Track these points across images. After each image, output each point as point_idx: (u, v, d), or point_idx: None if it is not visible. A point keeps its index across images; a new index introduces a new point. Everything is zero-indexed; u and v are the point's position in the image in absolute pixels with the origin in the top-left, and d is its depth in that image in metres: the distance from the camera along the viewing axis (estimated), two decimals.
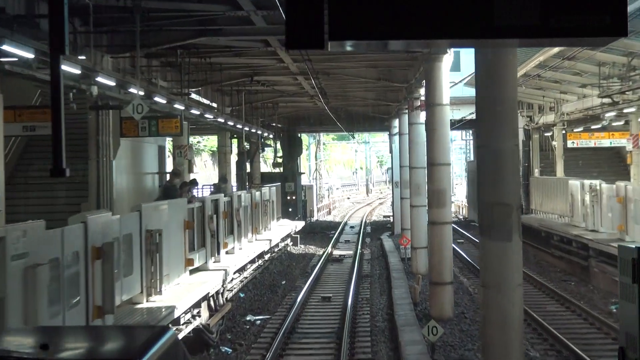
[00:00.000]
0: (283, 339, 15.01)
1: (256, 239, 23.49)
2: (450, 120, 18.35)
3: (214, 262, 16.86)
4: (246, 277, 21.02)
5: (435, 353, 13.11)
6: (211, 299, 15.19)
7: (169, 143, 27.72)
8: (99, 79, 13.06)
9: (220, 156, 33.15)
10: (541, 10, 3.28)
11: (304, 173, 50.65)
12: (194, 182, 20.20)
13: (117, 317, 9.95)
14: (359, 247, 31.03)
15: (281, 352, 14.27)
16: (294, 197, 40.25)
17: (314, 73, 22.31)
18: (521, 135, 31.77)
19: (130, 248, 11.20)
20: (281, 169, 40.98)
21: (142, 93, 14.63)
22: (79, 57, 12.56)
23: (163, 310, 11.34)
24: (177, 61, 18.96)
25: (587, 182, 23.15)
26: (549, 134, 32.89)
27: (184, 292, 12.99)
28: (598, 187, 22.05)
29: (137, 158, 21.53)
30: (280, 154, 41.26)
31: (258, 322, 16.98)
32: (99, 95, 15.29)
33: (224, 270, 16.41)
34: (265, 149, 39.76)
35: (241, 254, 20.05)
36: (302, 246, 31.95)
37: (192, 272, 15.08)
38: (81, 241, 8.85)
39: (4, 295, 7.14)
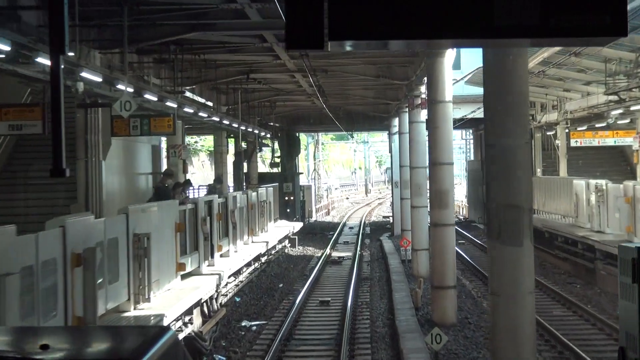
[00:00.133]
0: (280, 346, 14.41)
1: (252, 241, 22.92)
2: None
3: (207, 265, 16.25)
4: (242, 281, 20.43)
5: None
6: (204, 304, 14.58)
7: (165, 143, 27.09)
8: (84, 75, 12.39)
9: (217, 156, 32.57)
10: (541, 10, 3.26)
11: (302, 173, 50.11)
12: (187, 183, 19.59)
13: None
14: (358, 248, 30.54)
15: None
16: (292, 198, 39.78)
17: (311, 70, 21.70)
18: None
19: (116, 253, 10.57)
20: (279, 169, 40.46)
21: (130, 90, 13.97)
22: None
23: (151, 318, 10.75)
24: (170, 57, 18.30)
25: (592, 181, 22.54)
26: (551, 133, 32.29)
27: (175, 299, 12.38)
28: (604, 187, 21.47)
29: (130, 158, 20.88)
30: (278, 153, 40.74)
31: (254, 327, 16.37)
32: (88, 93, 14.67)
33: (218, 274, 15.81)
34: (263, 148, 39.24)
35: (237, 257, 19.44)
36: (300, 248, 31.43)
37: (184, 277, 14.47)
38: (59, 247, 8.20)
39: None
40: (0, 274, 6.80)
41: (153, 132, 17.37)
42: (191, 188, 27.94)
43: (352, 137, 68.70)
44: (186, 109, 19.37)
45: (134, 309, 11.25)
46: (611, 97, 22.74)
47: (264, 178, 37.28)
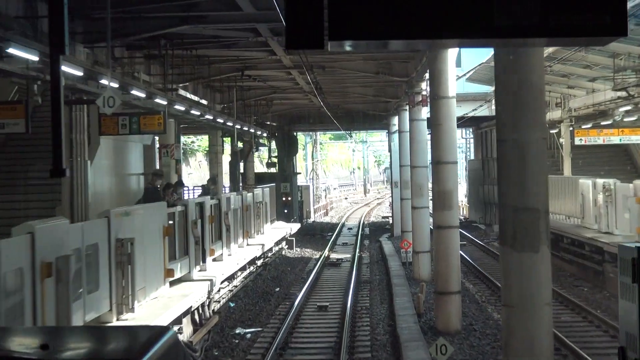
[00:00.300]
0: (275, 355, 13.62)
1: (248, 244, 22.12)
2: None
3: (198, 271, 15.44)
4: (236, 286, 19.62)
5: None
6: (195, 312, 13.78)
7: (158, 142, 26.28)
8: (64, 68, 11.57)
9: (212, 156, 31.75)
10: (541, 10, 3.23)
11: (300, 173, 49.34)
12: (179, 184, 18.74)
13: None
14: (357, 250, 29.82)
15: None
16: (289, 198, 39.04)
17: (308, 67, 20.90)
18: None
19: (96, 260, 9.75)
20: (276, 169, 39.71)
21: (115, 85, 13.15)
22: (39, 44, 11.08)
23: None
24: (160, 53, 17.49)
25: (599, 181, 21.77)
26: (554, 131, 31.50)
27: (162, 308, 11.60)
28: (612, 187, 20.70)
29: (120, 158, 20.03)
30: (275, 153, 39.99)
31: (248, 335, 15.57)
32: (72, 89, 13.86)
33: (210, 280, 15.00)
34: (260, 148, 38.48)
35: (230, 261, 18.63)
36: (298, 249, 30.67)
37: (173, 283, 13.67)
38: (27, 256, 7.39)
39: None
40: None
41: (143, 131, 16.53)
42: (185, 188, 27.18)
43: (351, 136, 67.94)
44: (177, 107, 18.55)
45: (117, 320, 10.45)
46: (619, 94, 21.95)
47: (262, 178, 36.56)
